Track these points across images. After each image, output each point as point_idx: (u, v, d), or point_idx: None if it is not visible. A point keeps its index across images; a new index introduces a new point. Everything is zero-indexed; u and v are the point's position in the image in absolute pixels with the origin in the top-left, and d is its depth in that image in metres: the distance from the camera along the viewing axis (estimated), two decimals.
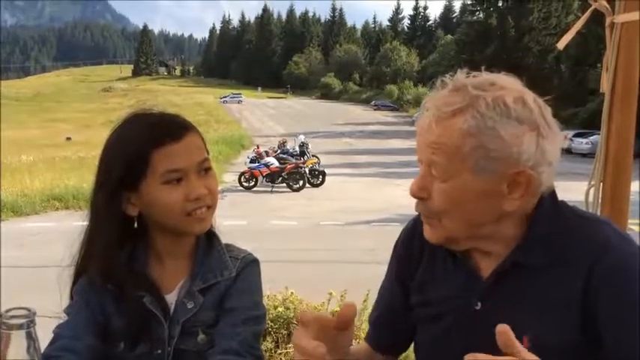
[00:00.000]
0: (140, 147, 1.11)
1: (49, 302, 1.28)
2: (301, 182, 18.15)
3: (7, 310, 0.83)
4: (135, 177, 1.12)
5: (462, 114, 0.97)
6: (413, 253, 1.20)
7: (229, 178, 18.94)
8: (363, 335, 4.03)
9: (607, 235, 0.99)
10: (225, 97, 79.21)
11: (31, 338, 0.82)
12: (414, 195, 1.05)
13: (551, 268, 1.00)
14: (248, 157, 20.15)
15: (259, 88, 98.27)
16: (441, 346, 1.12)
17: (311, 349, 0.81)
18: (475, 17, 55.75)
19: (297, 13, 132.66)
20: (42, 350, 0.93)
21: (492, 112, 0.96)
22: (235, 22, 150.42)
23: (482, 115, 0.96)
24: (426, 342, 1.17)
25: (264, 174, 18.14)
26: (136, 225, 1.21)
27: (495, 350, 1.05)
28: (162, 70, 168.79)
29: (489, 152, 0.96)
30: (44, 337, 0.99)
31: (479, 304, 1.06)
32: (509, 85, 1.00)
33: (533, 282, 1.01)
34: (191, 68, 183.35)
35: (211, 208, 1.18)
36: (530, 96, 1.00)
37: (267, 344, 4.03)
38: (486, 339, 1.05)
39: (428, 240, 1.09)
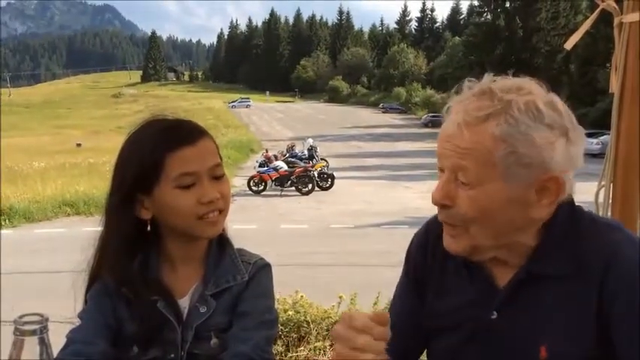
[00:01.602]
0: (154, 150, 1.12)
1: (62, 308, 1.30)
2: (310, 186, 18.14)
3: (21, 316, 0.83)
4: (148, 180, 1.12)
5: (494, 118, 0.94)
6: (426, 260, 1.18)
7: (238, 183, 18.97)
8: None
9: (618, 241, 0.98)
10: (233, 101, 79.48)
11: (44, 344, 0.83)
12: (437, 203, 1.01)
13: (566, 277, 0.99)
14: (257, 161, 20.21)
15: (267, 93, 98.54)
16: (456, 356, 1.10)
17: (375, 343, 0.84)
18: (483, 18, 55.66)
19: (305, 16, 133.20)
20: (55, 355, 0.94)
21: (525, 116, 0.93)
22: (243, 26, 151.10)
23: (515, 119, 0.93)
24: (440, 352, 1.15)
25: (273, 178, 18.18)
26: (149, 228, 1.21)
27: None
28: (171, 75, 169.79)
29: (522, 158, 0.94)
30: (57, 342, 1.00)
31: (495, 313, 1.05)
32: (536, 89, 0.98)
33: (549, 291, 1.00)
34: (199, 73, 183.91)
35: (223, 212, 1.18)
36: (558, 100, 0.98)
37: (277, 348, 4.03)
38: (502, 348, 1.04)
39: (449, 251, 1.05)
